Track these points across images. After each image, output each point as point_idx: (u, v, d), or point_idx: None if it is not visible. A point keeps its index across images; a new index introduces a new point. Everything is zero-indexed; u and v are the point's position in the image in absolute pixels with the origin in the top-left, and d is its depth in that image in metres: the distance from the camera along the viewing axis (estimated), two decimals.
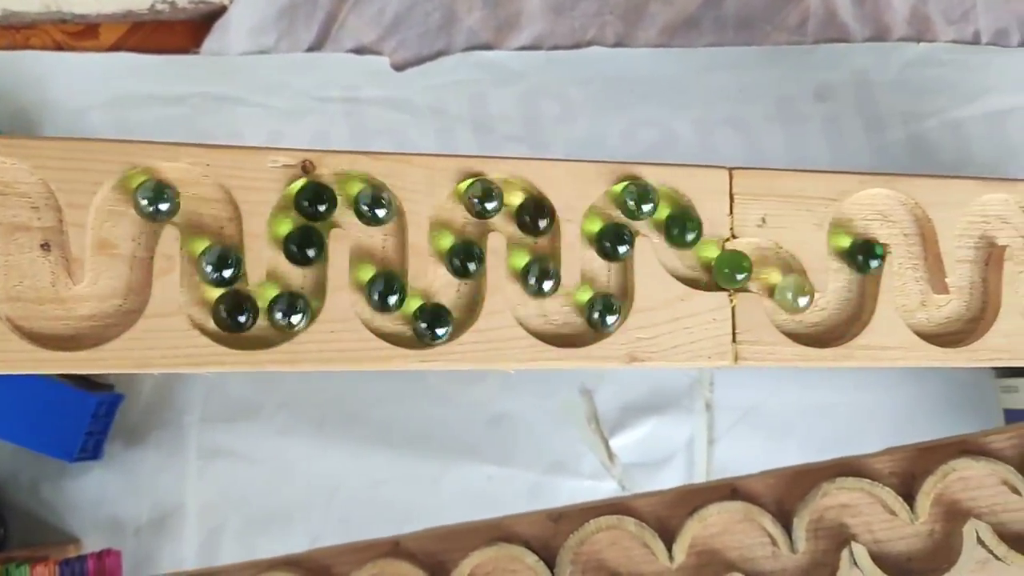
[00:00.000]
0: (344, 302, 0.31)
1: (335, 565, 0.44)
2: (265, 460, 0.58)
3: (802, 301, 0.36)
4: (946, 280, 0.37)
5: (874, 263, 0.36)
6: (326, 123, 0.61)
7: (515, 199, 0.34)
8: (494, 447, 0.59)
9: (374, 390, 0.59)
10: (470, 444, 0.59)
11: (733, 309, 0.35)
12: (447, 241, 0.33)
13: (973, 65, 0.64)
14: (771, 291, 0.36)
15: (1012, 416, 0.60)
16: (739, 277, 0.35)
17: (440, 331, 0.31)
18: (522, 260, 0.34)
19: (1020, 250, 0.39)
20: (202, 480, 0.57)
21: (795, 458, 0.43)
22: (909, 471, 0.47)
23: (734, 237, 0.35)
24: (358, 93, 0.62)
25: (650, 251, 0.34)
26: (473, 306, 0.33)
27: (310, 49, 0.62)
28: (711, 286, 0.36)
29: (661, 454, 0.60)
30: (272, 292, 0.32)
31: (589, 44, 0.63)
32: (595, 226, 0.34)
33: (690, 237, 0.35)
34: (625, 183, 0.34)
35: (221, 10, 0.61)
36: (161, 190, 0.30)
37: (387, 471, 0.58)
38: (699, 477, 0.61)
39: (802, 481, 0.47)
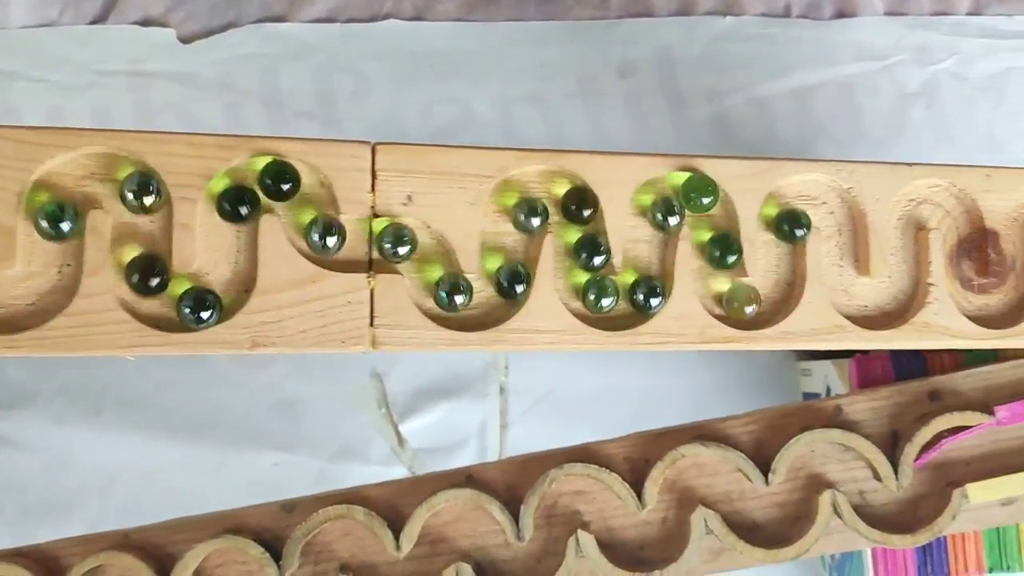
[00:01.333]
0: None
1: (63, 557, 0.43)
2: (42, 448, 0.56)
3: (459, 299, 0.34)
4: (612, 261, 0.35)
5: (535, 221, 0.34)
6: (108, 98, 0.59)
7: (122, 174, 0.32)
8: (280, 433, 0.57)
9: (154, 375, 0.57)
10: (255, 430, 0.57)
11: (372, 292, 0.33)
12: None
13: (782, 39, 0.62)
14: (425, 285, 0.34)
15: (809, 400, 0.59)
16: (401, 251, 0.33)
17: None
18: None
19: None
20: None
21: None
22: (643, 456, 0.45)
23: (376, 216, 0.33)
24: (143, 67, 0.59)
25: (278, 229, 0.32)
26: (72, 288, 0.31)
27: (94, 21, 0.60)
28: (359, 267, 0.34)
29: (453, 439, 0.59)
30: None
31: (386, 17, 0.61)
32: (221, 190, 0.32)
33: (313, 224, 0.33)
34: (269, 158, 0.32)
35: None
36: None
37: (168, 458, 0.57)
38: None
39: (536, 468, 0.46)
